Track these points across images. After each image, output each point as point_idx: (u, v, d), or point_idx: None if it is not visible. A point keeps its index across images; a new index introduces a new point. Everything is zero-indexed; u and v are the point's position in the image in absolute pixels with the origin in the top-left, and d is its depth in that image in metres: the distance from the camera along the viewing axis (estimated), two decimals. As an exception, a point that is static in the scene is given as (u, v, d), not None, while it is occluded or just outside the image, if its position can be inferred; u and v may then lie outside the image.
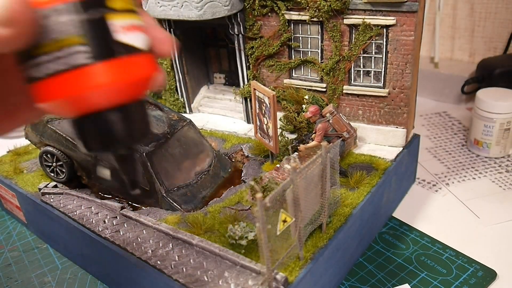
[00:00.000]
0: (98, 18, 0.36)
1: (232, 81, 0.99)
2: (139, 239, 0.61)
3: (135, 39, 0.38)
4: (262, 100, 0.73)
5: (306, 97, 0.81)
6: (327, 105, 0.79)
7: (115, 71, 0.36)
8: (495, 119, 0.91)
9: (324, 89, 0.82)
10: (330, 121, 0.74)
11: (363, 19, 0.72)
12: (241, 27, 0.83)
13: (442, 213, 0.80)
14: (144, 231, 0.63)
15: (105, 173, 0.43)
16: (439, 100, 1.26)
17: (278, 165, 0.73)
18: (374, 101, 0.79)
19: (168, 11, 0.81)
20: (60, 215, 0.69)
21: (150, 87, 0.40)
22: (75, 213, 0.68)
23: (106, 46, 0.36)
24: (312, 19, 0.77)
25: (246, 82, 0.90)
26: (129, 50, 0.37)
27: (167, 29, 0.89)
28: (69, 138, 0.73)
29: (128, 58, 0.37)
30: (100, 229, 0.64)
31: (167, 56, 0.41)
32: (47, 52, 0.35)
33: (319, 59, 0.81)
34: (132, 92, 0.39)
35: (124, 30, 0.37)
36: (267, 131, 0.75)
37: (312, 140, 0.73)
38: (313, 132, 0.75)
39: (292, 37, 0.81)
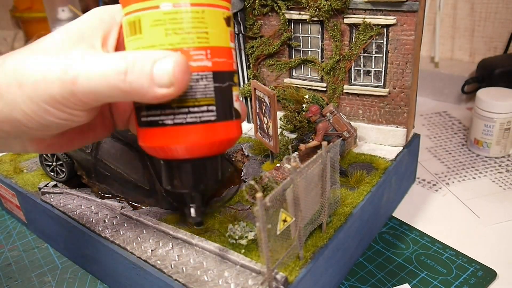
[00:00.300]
0: (227, 87, 0.45)
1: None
2: (139, 239, 0.61)
3: (239, 107, 0.48)
4: (262, 100, 0.73)
5: (307, 96, 0.81)
6: (327, 104, 0.79)
7: (229, 130, 0.46)
8: (495, 119, 0.91)
9: (325, 89, 0.82)
10: (331, 121, 0.74)
11: (364, 18, 0.72)
12: (241, 27, 0.83)
13: (442, 212, 0.80)
14: (144, 230, 0.63)
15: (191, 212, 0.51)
16: (439, 100, 1.26)
17: (278, 165, 0.73)
18: (374, 101, 0.79)
19: (168, 11, 0.81)
20: (60, 214, 0.69)
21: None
22: (75, 212, 0.68)
23: (228, 110, 0.46)
24: (313, 19, 0.77)
25: (246, 82, 0.90)
26: (237, 115, 0.47)
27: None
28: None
29: (237, 121, 0.47)
30: (100, 229, 0.64)
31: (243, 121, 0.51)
32: (184, 106, 0.43)
33: (320, 59, 0.81)
34: (229, 146, 0.48)
35: (237, 99, 0.47)
36: (267, 130, 0.75)
37: (312, 140, 0.73)
38: (313, 131, 0.75)
39: (293, 37, 0.81)
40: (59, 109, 0.44)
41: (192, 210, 0.50)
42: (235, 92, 0.47)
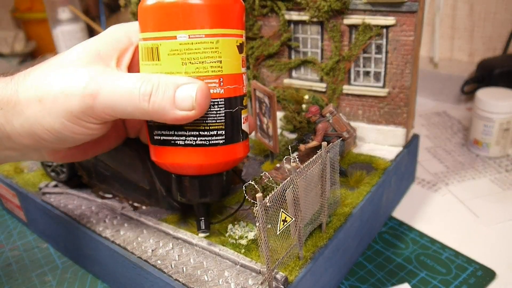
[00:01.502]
0: (237, 111, 0.48)
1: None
2: (139, 239, 0.61)
3: (247, 128, 0.51)
4: (262, 100, 0.73)
5: (306, 97, 0.81)
6: (327, 105, 0.79)
7: (237, 151, 0.49)
8: (494, 119, 0.91)
9: (324, 89, 0.82)
10: (330, 121, 0.74)
11: (363, 19, 0.73)
12: (241, 27, 0.83)
13: (442, 213, 0.80)
14: (144, 230, 0.63)
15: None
16: (439, 100, 1.26)
17: (278, 165, 0.73)
18: (374, 101, 0.79)
19: (168, 11, 0.81)
20: (60, 214, 0.69)
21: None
22: (76, 212, 0.69)
23: (236, 133, 0.49)
24: (312, 19, 0.77)
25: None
26: (245, 136, 0.50)
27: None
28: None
29: (244, 142, 0.50)
30: (100, 229, 0.64)
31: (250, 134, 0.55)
32: (195, 129, 0.46)
33: (319, 59, 0.81)
34: (236, 164, 0.52)
35: (245, 121, 0.50)
36: (267, 130, 0.75)
37: (312, 140, 0.73)
38: (313, 132, 0.75)
39: (292, 37, 0.81)
40: (77, 123, 0.45)
41: (202, 224, 0.55)
42: (244, 115, 0.50)
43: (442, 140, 1.05)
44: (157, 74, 0.45)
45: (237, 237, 0.57)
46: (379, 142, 0.81)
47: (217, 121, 0.46)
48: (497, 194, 0.84)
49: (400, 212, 0.80)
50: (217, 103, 0.46)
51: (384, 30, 0.73)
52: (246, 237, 0.57)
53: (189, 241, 0.59)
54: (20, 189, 0.77)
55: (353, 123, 0.79)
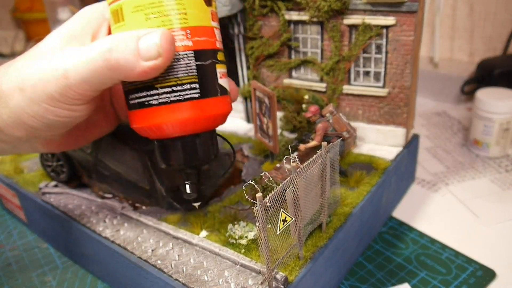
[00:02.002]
0: (210, 65, 0.46)
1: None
2: (139, 239, 0.61)
3: (226, 84, 0.49)
4: (262, 100, 0.73)
5: (306, 97, 0.81)
6: (327, 105, 0.79)
7: (215, 106, 0.47)
8: (494, 119, 0.91)
9: (324, 89, 0.82)
10: (330, 121, 0.74)
11: (363, 19, 0.73)
12: (241, 27, 0.84)
13: (442, 213, 0.80)
14: (144, 230, 0.63)
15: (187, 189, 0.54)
16: (439, 100, 1.26)
17: (278, 165, 0.73)
18: (373, 101, 0.79)
19: (168, 11, 0.81)
20: (60, 214, 0.69)
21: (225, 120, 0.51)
22: (76, 212, 0.69)
23: (213, 87, 0.47)
24: (312, 19, 0.77)
25: (246, 82, 0.90)
26: (224, 91, 0.49)
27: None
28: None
29: (223, 97, 0.48)
30: (100, 229, 0.64)
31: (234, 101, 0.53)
32: (167, 86, 0.45)
33: (319, 59, 0.81)
34: (218, 122, 0.50)
35: (222, 76, 0.49)
36: (267, 130, 0.75)
37: (312, 140, 0.73)
38: (313, 132, 0.75)
39: (292, 37, 0.81)
40: (59, 106, 0.46)
41: (187, 187, 0.52)
42: (220, 70, 0.48)
43: (442, 140, 1.05)
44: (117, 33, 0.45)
45: (237, 237, 0.57)
46: (379, 142, 0.81)
47: (189, 74, 0.45)
48: (497, 194, 0.84)
49: (400, 212, 0.80)
50: (186, 55, 0.45)
51: (384, 30, 0.73)
52: (246, 237, 0.57)
53: (189, 241, 0.59)
54: (20, 189, 0.77)
55: (353, 123, 0.79)
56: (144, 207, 0.69)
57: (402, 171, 0.80)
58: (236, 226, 0.59)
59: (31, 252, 0.77)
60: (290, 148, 0.56)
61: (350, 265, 0.67)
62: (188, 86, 0.45)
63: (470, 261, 0.68)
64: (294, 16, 0.78)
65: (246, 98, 0.91)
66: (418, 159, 0.90)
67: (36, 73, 0.45)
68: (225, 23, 0.84)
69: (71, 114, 0.48)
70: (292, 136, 0.83)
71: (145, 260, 0.58)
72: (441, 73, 1.27)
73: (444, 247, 0.71)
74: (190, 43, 0.45)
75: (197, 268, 0.55)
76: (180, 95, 0.45)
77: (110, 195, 0.73)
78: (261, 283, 0.50)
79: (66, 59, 0.45)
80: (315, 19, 0.77)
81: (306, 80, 0.84)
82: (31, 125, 0.48)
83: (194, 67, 0.45)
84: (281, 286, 0.50)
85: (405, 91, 0.75)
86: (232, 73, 0.98)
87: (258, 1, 0.80)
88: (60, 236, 0.73)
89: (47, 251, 0.77)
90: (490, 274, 0.65)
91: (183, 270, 0.55)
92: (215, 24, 0.48)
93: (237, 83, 0.92)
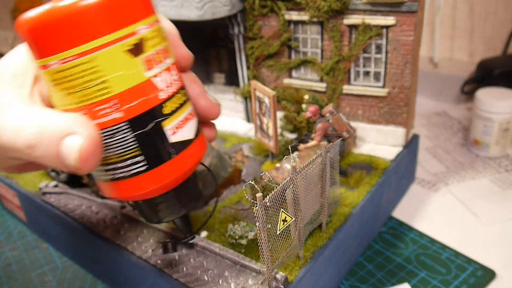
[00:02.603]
0: (154, 128, 0.38)
1: (232, 81, 0.99)
2: (139, 239, 0.61)
3: (187, 133, 0.41)
4: (262, 100, 0.73)
5: (306, 97, 0.81)
6: (327, 105, 0.79)
7: (171, 171, 0.40)
8: (494, 119, 0.91)
9: (324, 89, 0.82)
10: (330, 121, 0.74)
11: (363, 19, 0.73)
12: (241, 27, 0.84)
13: (442, 213, 0.80)
14: (144, 230, 0.63)
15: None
16: (439, 100, 1.26)
17: (278, 165, 0.73)
18: (373, 101, 0.79)
19: (168, 11, 0.81)
20: (60, 214, 0.69)
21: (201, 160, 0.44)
22: (76, 212, 0.69)
23: (161, 153, 0.39)
24: (312, 19, 0.77)
25: (246, 82, 0.90)
26: (183, 146, 0.40)
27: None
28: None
29: (182, 153, 0.40)
30: (100, 229, 0.64)
31: (216, 118, 0.46)
32: (110, 163, 0.39)
33: (319, 59, 0.81)
34: (188, 174, 0.42)
35: (177, 129, 0.40)
36: (267, 130, 0.75)
37: (312, 140, 0.73)
38: (313, 132, 0.75)
39: (292, 37, 0.81)
40: None
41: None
42: (173, 123, 0.39)
43: (442, 140, 1.05)
44: (46, 114, 0.38)
45: (237, 237, 0.57)
46: (379, 142, 0.81)
47: (128, 148, 0.38)
48: (497, 194, 0.84)
49: (400, 212, 0.80)
50: (118, 129, 0.37)
51: (384, 30, 0.73)
52: (246, 237, 0.57)
53: (189, 241, 0.59)
54: (20, 189, 0.77)
55: (353, 123, 0.79)
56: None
57: (402, 171, 0.80)
58: (236, 226, 0.59)
59: (31, 252, 0.77)
60: (290, 148, 0.56)
61: (350, 265, 0.67)
62: (129, 162, 0.38)
63: (470, 261, 0.68)
64: (294, 16, 0.78)
65: (246, 98, 0.91)
66: (418, 159, 0.90)
67: None
68: (225, 23, 0.84)
69: (13, 164, 0.43)
70: (292, 136, 0.83)
71: (145, 260, 0.58)
72: (441, 73, 1.27)
73: (444, 247, 0.71)
74: (120, 115, 0.36)
75: (197, 268, 0.55)
76: (124, 171, 0.39)
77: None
78: (261, 283, 0.50)
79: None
80: (315, 19, 0.77)
81: (306, 80, 0.84)
82: None
83: (132, 139, 0.37)
84: (281, 286, 0.50)
85: (405, 91, 0.75)
86: (232, 73, 0.98)
87: (258, 1, 0.80)
88: (60, 236, 0.73)
89: (47, 251, 0.77)
90: (490, 274, 0.65)
91: (183, 270, 0.55)
92: (155, 70, 0.38)
93: (237, 83, 0.93)
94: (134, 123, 0.37)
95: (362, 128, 0.81)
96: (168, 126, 0.39)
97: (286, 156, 0.52)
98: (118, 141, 0.38)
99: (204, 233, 0.61)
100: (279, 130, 0.79)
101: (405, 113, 0.77)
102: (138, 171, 0.39)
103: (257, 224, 0.44)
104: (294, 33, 0.81)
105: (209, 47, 0.99)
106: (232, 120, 0.95)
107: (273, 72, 0.86)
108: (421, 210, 0.81)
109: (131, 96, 0.36)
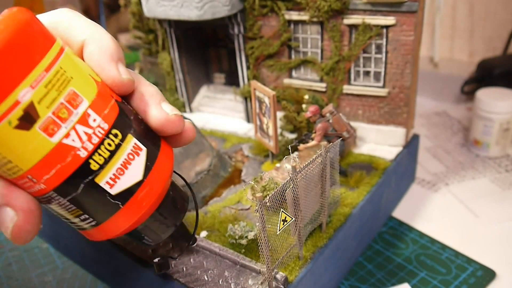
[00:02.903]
0: (87, 187, 0.34)
1: (232, 81, 0.99)
2: (139, 239, 0.61)
3: (130, 178, 0.36)
4: (262, 100, 0.73)
5: (306, 97, 0.81)
6: (327, 105, 0.79)
7: (126, 218, 0.36)
8: (494, 119, 0.91)
9: (324, 89, 0.82)
10: (330, 121, 0.74)
11: (363, 19, 0.73)
12: (241, 27, 0.84)
13: (442, 212, 0.80)
14: (144, 230, 0.63)
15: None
16: (439, 100, 1.26)
17: (278, 165, 0.73)
18: (374, 101, 0.79)
19: (168, 11, 0.81)
20: (60, 214, 0.69)
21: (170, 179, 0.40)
22: (76, 212, 0.69)
23: (105, 208, 0.36)
24: (312, 19, 0.77)
25: (246, 82, 0.90)
26: (129, 193, 0.36)
27: (167, 29, 0.89)
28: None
29: (133, 198, 0.36)
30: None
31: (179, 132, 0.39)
32: (66, 219, 0.37)
33: (319, 59, 0.81)
34: (156, 203, 0.38)
35: (116, 179, 0.35)
36: (267, 130, 0.75)
37: (312, 140, 0.73)
38: (313, 132, 0.75)
39: (292, 37, 0.81)
40: None
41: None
42: (107, 176, 0.34)
43: (442, 140, 1.05)
44: None
45: (237, 237, 0.57)
46: (379, 142, 0.81)
47: (69, 210, 0.35)
48: (497, 194, 0.84)
49: (400, 212, 0.80)
50: (50, 197, 0.34)
51: (384, 30, 0.73)
52: (246, 237, 0.57)
53: (189, 241, 0.59)
54: (20, 189, 0.77)
55: (353, 123, 0.79)
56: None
57: (402, 171, 0.80)
58: (236, 226, 0.59)
59: (31, 252, 0.77)
60: (290, 148, 0.56)
61: (350, 265, 0.67)
62: (78, 220, 0.36)
63: (470, 261, 0.68)
64: (294, 16, 0.78)
65: (246, 98, 0.91)
66: (418, 159, 0.90)
67: None
68: (225, 23, 0.84)
69: None
70: (292, 136, 0.83)
71: (145, 260, 0.58)
72: (441, 73, 1.27)
73: (444, 247, 0.71)
74: (43, 186, 0.33)
75: (197, 268, 0.55)
76: (81, 225, 0.37)
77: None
78: (261, 283, 0.50)
79: None
80: (315, 19, 0.77)
81: (306, 80, 0.84)
82: None
83: (68, 203, 0.35)
84: (281, 286, 0.50)
85: (405, 91, 0.75)
86: (232, 73, 0.98)
87: (258, 1, 0.80)
88: (60, 236, 0.73)
89: (47, 251, 0.77)
90: (490, 274, 0.65)
91: (183, 270, 0.55)
92: (62, 131, 0.32)
93: (237, 83, 0.93)
94: (61, 190, 0.34)
95: (362, 128, 0.81)
96: (103, 181, 0.34)
97: (286, 156, 0.52)
98: (57, 205, 0.35)
99: (204, 233, 0.61)
100: (279, 130, 0.79)
101: (405, 113, 0.77)
102: (91, 225, 0.36)
103: (257, 224, 0.44)
104: (294, 33, 0.81)
105: (209, 47, 0.99)
106: (232, 120, 0.95)
107: (273, 72, 0.86)
108: (421, 210, 0.81)
109: (44, 168, 0.32)
